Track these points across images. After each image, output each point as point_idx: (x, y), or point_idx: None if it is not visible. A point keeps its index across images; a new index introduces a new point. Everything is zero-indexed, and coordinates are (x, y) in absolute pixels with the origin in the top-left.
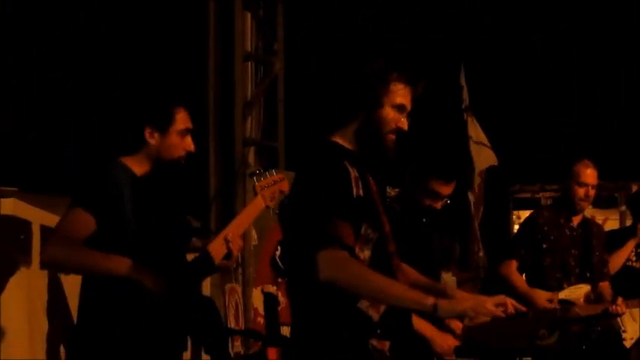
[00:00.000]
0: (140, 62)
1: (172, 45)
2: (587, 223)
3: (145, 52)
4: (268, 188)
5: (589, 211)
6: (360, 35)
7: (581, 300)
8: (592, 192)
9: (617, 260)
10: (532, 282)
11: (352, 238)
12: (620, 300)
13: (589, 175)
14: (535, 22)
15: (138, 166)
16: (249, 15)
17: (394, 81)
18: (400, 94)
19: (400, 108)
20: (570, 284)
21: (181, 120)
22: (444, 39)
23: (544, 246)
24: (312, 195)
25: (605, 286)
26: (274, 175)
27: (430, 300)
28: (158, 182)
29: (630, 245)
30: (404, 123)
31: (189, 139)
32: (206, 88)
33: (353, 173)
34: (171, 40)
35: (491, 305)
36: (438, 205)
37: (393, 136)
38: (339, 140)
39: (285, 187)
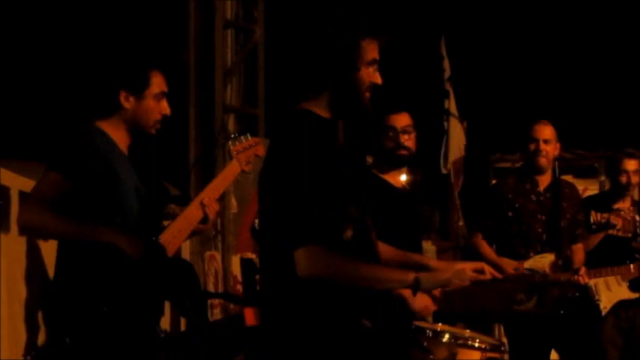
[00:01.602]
0: (120, 28)
1: (153, 12)
2: (557, 185)
3: (126, 19)
4: (244, 152)
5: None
6: (339, 2)
7: (547, 269)
8: (546, 147)
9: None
10: (501, 251)
11: (335, 224)
12: (583, 270)
13: (538, 130)
14: None
15: (114, 130)
16: None
17: (363, 39)
18: (370, 49)
19: (372, 63)
20: (537, 252)
21: (157, 83)
22: (426, 9)
23: (509, 214)
24: (293, 180)
25: (577, 250)
26: (249, 139)
27: (411, 276)
28: (135, 147)
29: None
30: (377, 77)
31: (165, 103)
32: (187, 55)
33: (336, 148)
34: (153, 7)
35: (470, 271)
36: (403, 140)
37: (369, 94)
38: (314, 109)
39: (261, 151)
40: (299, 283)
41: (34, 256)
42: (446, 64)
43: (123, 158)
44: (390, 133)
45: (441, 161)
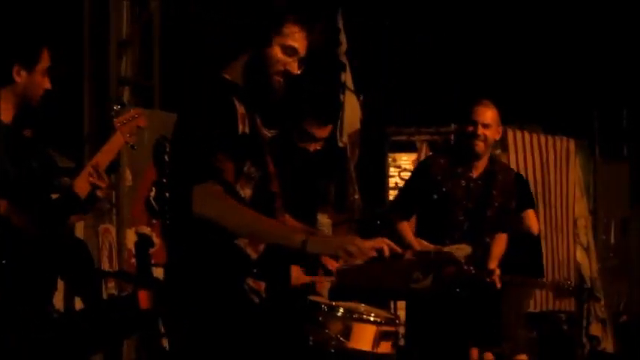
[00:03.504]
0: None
1: None
2: (491, 171)
3: None
4: (127, 124)
5: None
6: None
7: (462, 261)
8: (485, 131)
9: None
10: (421, 234)
11: (232, 174)
12: (496, 273)
13: (478, 112)
14: None
15: (2, 102)
16: None
17: (288, 22)
18: (293, 37)
19: (291, 50)
20: (454, 241)
21: (46, 59)
22: None
23: (434, 197)
24: (195, 129)
25: (499, 239)
26: (132, 110)
27: (300, 236)
28: (23, 119)
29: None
30: (293, 66)
31: (47, 78)
32: (81, 26)
33: (240, 109)
34: None
35: (363, 244)
36: (312, 147)
37: (279, 78)
38: (228, 75)
39: (143, 122)
40: (189, 250)
41: None
42: (342, 37)
43: (5, 129)
44: (308, 140)
45: (337, 134)
